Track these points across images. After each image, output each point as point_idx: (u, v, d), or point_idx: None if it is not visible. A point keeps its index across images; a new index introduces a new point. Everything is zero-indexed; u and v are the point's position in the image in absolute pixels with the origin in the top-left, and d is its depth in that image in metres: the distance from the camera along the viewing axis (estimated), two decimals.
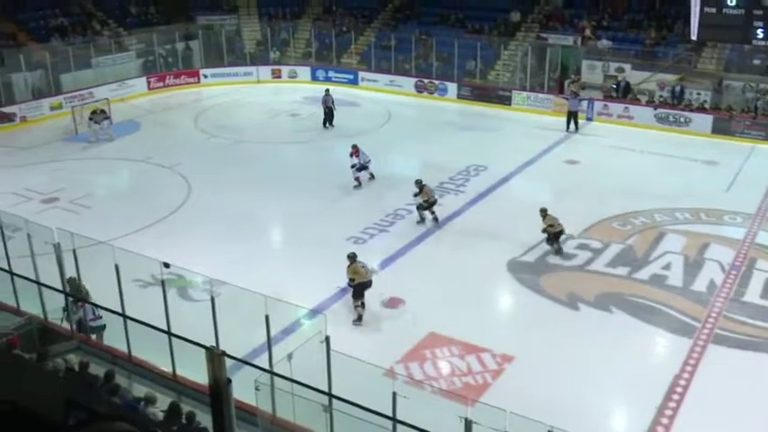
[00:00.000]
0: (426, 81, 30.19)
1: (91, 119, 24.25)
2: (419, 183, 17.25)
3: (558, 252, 15.62)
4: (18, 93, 26.83)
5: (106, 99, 25.96)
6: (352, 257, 13.49)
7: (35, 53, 28.29)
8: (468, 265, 15.25)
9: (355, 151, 19.86)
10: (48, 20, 30.81)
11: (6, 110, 25.81)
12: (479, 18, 32.08)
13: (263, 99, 29.61)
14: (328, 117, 25.60)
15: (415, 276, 14.83)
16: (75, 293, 11.73)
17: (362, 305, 13.18)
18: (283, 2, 36.35)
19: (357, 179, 19.72)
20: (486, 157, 21.89)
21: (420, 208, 17.23)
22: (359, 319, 13.09)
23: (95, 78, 28.93)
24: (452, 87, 29.50)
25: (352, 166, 19.72)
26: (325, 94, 25.89)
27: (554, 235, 15.68)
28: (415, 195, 17.31)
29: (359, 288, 13.20)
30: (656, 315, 13.41)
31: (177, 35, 32.30)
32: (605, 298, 13.98)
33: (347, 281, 13.36)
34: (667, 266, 15.17)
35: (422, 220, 17.27)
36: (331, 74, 32.32)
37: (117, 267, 10.55)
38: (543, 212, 15.84)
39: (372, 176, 20.14)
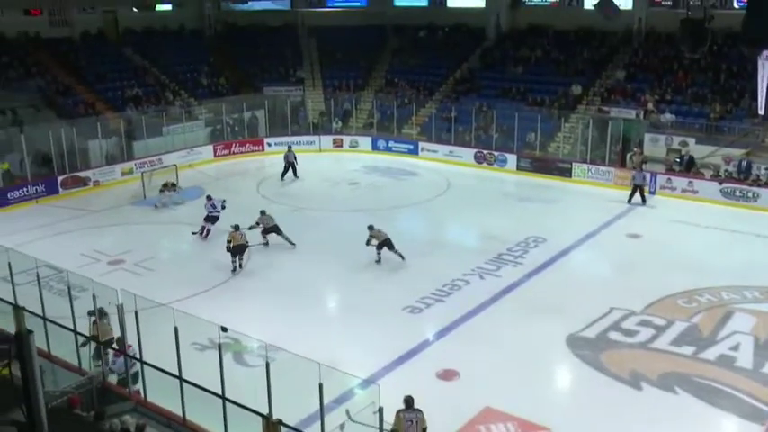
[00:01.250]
0: (486, 152, 30.35)
1: (162, 191, 25.15)
2: (263, 211, 20.62)
3: (397, 254, 18.82)
4: (93, 158, 28.06)
5: (174, 165, 26.91)
6: (236, 227, 18.63)
7: (111, 121, 29.71)
8: (526, 339, 14.94)
9: (207, 200, 21.97)
10: (124, 90, 32.44)
11: (81, 174, 26.97)
12: (540, 91, 32.34)
13: (323, 168, 30.22)
14: (290, 170, 28.33)
15: (471, 348, 14.59)
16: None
17: (239, 264, 18.48)
18: (347, 75, 37.44)
19: (202, 229, 21.43)
20: (545, 229, 21.69)
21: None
22: (234, 270, 18.33)
23: (165, 145, 30.11)
24: (512, 159, 29.57)
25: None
26: (288, 151, 28.77)
27: (381, 244, 18.75)
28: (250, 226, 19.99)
29: (235, 249, 18.39)
30: (725, 398, 12.80)
31: (244, 105, 33.49)
32: (669, 378, 13.44)
33: (226, 244, 18.44)
34: (736, 347, 14.55)
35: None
36: (391, 144, 32.84)
37: (176, 330, 10.71)
38: (370, 228, 19.07)
39: (205, 233, 21.39)
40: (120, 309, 11.41)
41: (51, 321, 11.75)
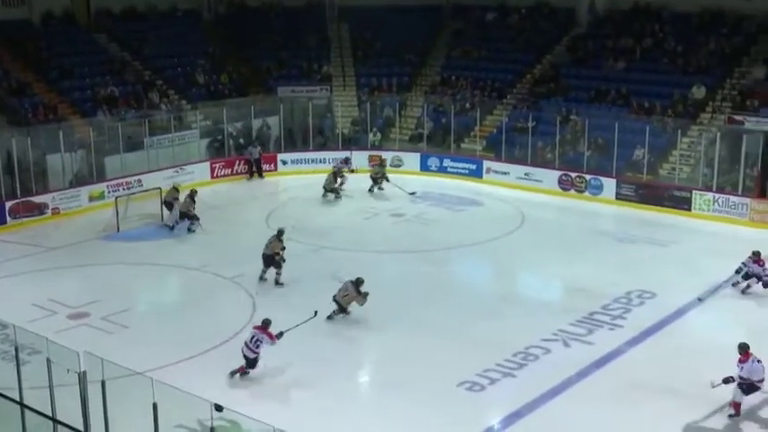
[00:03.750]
0: (574, 175, 30.26)
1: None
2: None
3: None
4: (53, 178, 28.61)
5: (158, 188, 27.37)
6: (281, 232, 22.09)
7: (77, 130, 30.34)
8: (627, 430, 14.76)
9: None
10: (96, 89, 33.14)
11: (37, 199, 27.51)
12: (649, 94, 32.28)
13: (356, 194, 30.41)
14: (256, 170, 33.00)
15: None
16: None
17: None
18: (389, 71, 37.82)
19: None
20: (654, 281, 21.48)
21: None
22: None
23: (147, 162, 30.68)
24: (610, 184, 29.47)
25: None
26: (253, 146, 33.18)
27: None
28: None
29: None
30: None
31: (253, 110, 34.01)
32: None
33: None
34: None
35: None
36: (447, 162, 32.99)
37: (155, 406, 10.84)
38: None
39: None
40: (81, 377, 11.57)
41: None
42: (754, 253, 20.85)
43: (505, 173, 31.71)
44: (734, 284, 20.93)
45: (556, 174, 30.70)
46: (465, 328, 18.82)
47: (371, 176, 30.69)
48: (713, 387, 15.11)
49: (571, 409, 15.55)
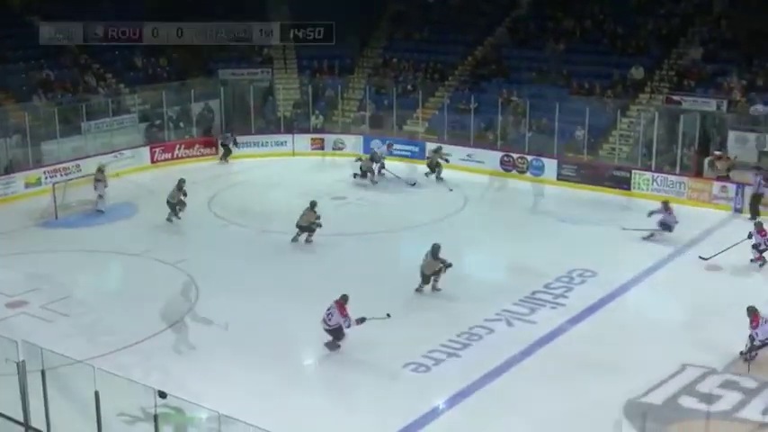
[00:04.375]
0: (516, 156, 30.51)
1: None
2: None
3: None
4: None
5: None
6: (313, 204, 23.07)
7: (11, 115, 29.83)
8: (570, 407, 14.90)
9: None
10: (30, 73, 32.60)
11: None
12: (589, 75, 32.62)
13: (298, 177, 30.34)
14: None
15: (496, 421, 14.57)
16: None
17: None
18: (330, 53, 37.66)
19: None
20: (595, 260, 21.76)
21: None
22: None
23: (85, 147, 30.27)
24: (551, 165, 29.77)
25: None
26: (229, 134, 33.20)
27: None
28: None
29: None
30: None
31: (193, 93, 33.70)
32: None
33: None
34: None
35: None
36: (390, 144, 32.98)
37: (97, 395, 10.74)
38: None
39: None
40: (20, 367, 11.43)
41: None
42: (756, 224, 21.68)
43: (447, 154, 31.78)
44: (751, 260, 21.56)
45: (498, 155, 30.92)
46: (409, 310, 18.94)
47: (428, 165, 30.65)
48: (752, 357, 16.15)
49: (515, 387, 15.73)
